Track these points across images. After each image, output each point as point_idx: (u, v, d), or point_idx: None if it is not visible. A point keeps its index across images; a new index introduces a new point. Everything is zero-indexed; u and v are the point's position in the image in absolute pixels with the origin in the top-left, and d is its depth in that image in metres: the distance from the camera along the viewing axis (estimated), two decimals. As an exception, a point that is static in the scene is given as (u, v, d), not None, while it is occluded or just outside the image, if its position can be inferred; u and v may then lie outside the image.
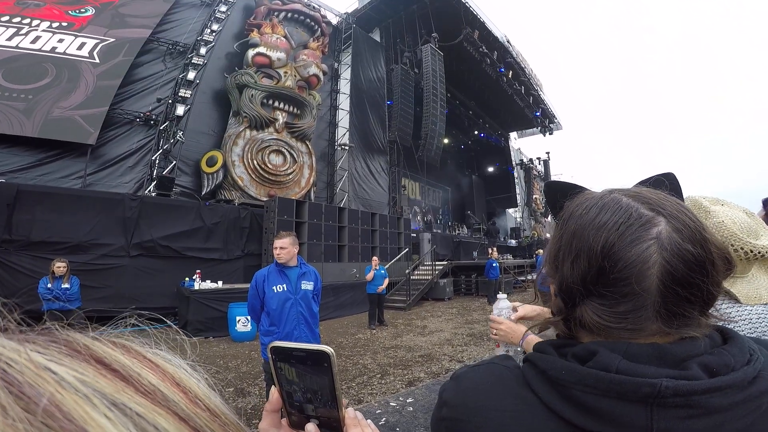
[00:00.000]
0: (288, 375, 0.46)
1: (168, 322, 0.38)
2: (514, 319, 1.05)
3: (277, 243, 2.89)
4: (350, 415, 0.47)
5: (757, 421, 0.40)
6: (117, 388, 0.19)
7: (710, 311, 0.45)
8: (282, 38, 12.78)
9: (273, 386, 0.48)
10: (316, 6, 14.47)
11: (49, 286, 4.90)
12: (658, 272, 0.42)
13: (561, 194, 0.55)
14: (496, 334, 1.06)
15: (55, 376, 0.17)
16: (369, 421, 0.51)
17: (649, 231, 0.43)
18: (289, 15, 13.39)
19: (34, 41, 9.15)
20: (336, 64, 15.47)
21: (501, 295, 1.12)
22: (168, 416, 0.19)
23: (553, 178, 33.03)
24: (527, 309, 1.07)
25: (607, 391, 0.40)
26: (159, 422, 0.18)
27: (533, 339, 0.94)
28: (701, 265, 0.43)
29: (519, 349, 1.01)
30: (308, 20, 13.83)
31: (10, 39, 8.97)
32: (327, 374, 0.44)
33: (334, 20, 15.71)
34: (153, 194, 9.19)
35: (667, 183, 0.54)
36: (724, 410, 0.39)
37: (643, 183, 0.56)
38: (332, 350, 0.44)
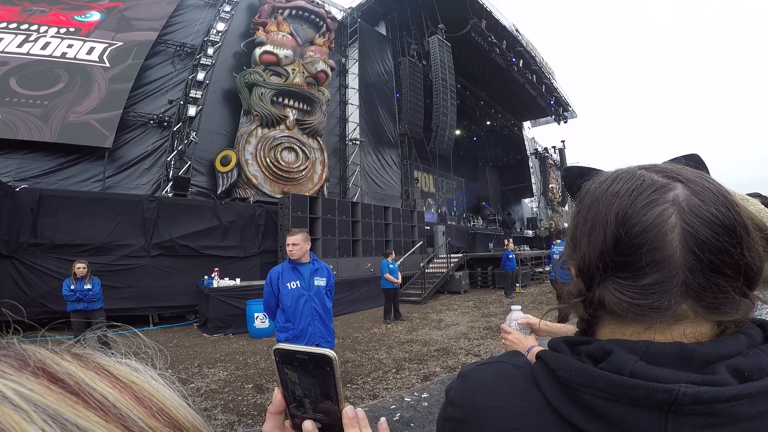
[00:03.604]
0: (292, 377, 0.46)
1: (129, 329, 0.37)
2: (520, 323, 1.10)
3: (290, 240, 2.91)
4: (349, 414, 0.45)
5: None
6: (64, 403, 0.18)
7: (754, 292, 0.41)
8: (288, 36, 12.79)
9: (277, 388, 0.49)
10: (319, 2, 14.41)
11: (72, 287, 5.05)
12: (680, 236, 0.39)
13: (578, 176, 0.54)
14: (505, 344, 1.11)
15: None
16: (383, 418, 0.50)
17: (665, 195, 0.41)
18: (294, 12, 13.37)
19: (44, 47, 9.36)
20: (343, 60, 15.41)
21: (515, 307, 1.17)
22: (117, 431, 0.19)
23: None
24: (538, 322, 1.11)
25: (619, 396, 0.37)
26: None
27: (537, 350, 0.96)
28: (729, 229, 0.39)
29: None
30: (313, 16, 13.80)
31: (20, 46, 9.20)
32: (330, 378, 0.45)
33: (339, 15, 15.61)
34: (170, 195, 9.38)
35: (685, 162, 0.51)
36: (752, 419, 0.35)
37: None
38: (335, 354, 0.44)
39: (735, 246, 0.38)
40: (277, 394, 0.47)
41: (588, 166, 0.59)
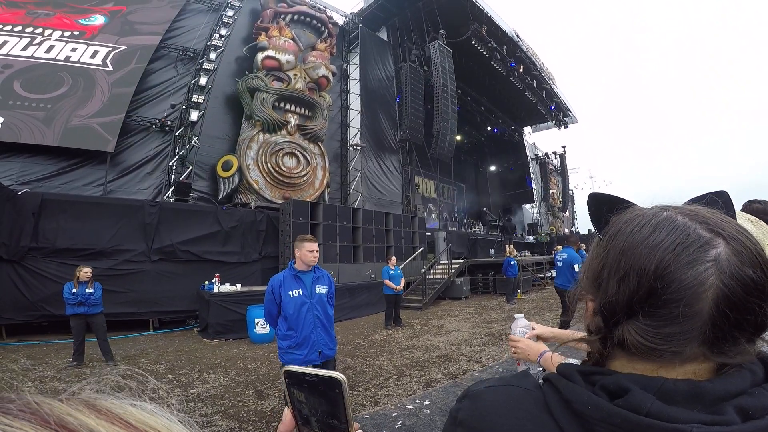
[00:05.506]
0: (299, 397, 0.48)
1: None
2: (529, 337, 1.11)
3: (312, 246, 2.95)
4: None
5: None
6: None
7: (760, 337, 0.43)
8: (290, 41, 12.86)
9: (286, 407, 0.50)
10: (321, 7, 14.51)
11: (74, 291, 5.06)
12: (713, 295, 0.40)
13: (607, 208, 0.53)
14: (515, 353, 1.11)
15: None
16: None
17: (708, 253, 0.41)
18: (296, 17, 13.46)
19: (48, 51, 9.43)
20: (344, 65, 15.49)
21: (518, 315, 1.19)
22: None
23: (570, 171, 32.53)
24: (545, 330, 1.13)
25: None
26: None
27: (550, 356, 0.99)
28: (760, 290, 0.41)
29: (539, 368, 1.05)
30: (315, 22, 13.88)
31: (25, 49, 9.26)
32: (339, 399, 0.46)
33: (341, 21, 15.72)
34: (171, 200, 9.39)
35: (720, 202, 0.51)
36: None
37: (695, 201, 0.53)
38: (344, 377, 0.46)
39: (761, 306, 0.41)
40: (287, 414, 0.49)
41: (617, 196, 0.58)
